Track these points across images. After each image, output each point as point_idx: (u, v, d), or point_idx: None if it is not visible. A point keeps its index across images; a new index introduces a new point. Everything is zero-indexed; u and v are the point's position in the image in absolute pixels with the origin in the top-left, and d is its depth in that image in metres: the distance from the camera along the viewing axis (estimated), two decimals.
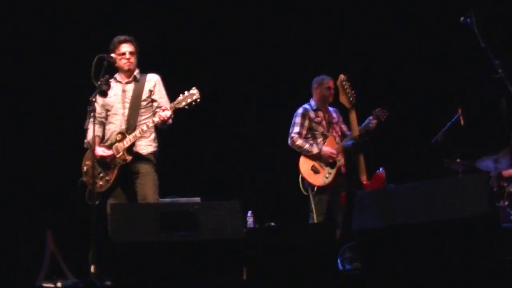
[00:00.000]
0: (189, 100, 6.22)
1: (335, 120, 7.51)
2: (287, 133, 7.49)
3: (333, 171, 7.15)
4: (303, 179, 7.27)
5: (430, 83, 9.05)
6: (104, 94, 6.18)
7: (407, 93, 9.06)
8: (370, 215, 5.02)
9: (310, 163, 7.22)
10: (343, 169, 7.13)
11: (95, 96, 6.06)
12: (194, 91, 6.23)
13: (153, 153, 6.45)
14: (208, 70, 9.20)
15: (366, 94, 7.32)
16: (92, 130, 6.14)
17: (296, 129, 7.39)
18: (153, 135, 6.47)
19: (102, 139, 6.44)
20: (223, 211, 5.16)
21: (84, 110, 6.10)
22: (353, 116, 6.64)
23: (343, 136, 7.43)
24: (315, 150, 7.20)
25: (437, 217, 4.80)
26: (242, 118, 9.36)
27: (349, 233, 5.23)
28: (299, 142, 7.31)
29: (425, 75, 9.06)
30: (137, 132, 6.28)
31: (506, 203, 7.87)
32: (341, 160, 7.12)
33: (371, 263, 4.98)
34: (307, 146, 7.27)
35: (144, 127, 6.26)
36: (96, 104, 6.08)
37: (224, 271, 4.95)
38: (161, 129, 6.46)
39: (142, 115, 6.42)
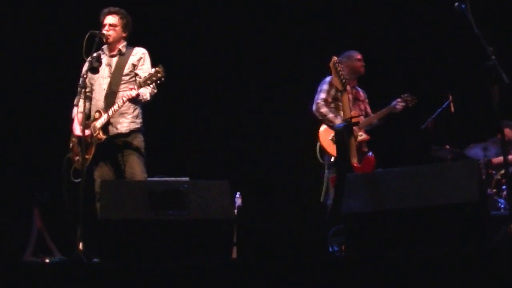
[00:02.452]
0: (153, 79, 6.00)
1: (361, 98, 7.47)
2: (277, 115, 7.48)
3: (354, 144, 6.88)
4: (321, 147, 7.12)
5: (422, 69, 9.06)
6: (95, 70, 6.12)
7: (398, 78, 9.06)
8: (360, 199, 5.01)
9: (331, 133, 7.01)
10: (363, 145, 7.12)
11: (86, 73, 6.02)
12: (159, 69, 6.00)
13: (136, 130, 6.35)
14: (199, 51, 9.18)
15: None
16: (79, 107, 6.08)
17: (322, 95, 7.23)
18: (136, 111, 6.36)
19: (90, 116, 6.37)
20: (213, 191, 5.14)
21: (74, 86, 6.06)
22: (345, 98, 6.60)
23: (365, 116, 7.40)
24: (337, 121, 6.97)
25: (427, 203, 4.80)
26: (232, 98, 9.33)
27: (338, 215, 5.22)
28: (324, 109, 7.14)
29: (417, 60, 9.06)
30: (110, 111, 6.17)
31: (494, 190, 7.91)
32: (363, 136, 7.11)
33: (358, 246, 4.98)
34: (330, 115, 7.09)
35: (116, 106, 6.15)
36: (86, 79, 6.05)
37: (212, 251, 4.94)
38: (143, 106, 6.38)
39: (123, 90, 6.26)
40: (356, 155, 6.53)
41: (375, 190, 5.02)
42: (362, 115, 7.33)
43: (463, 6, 6.15)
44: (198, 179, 5.84)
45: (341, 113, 6.89)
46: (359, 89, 7.49)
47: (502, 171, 7.92)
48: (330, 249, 5.54)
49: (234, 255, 5.20)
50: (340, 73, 6.59)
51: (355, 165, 6.48)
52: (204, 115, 9.32)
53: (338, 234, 5.51)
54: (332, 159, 6.98)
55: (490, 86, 6.39)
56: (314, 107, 7.22)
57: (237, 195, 7.51)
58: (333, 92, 7.18)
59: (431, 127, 8.03)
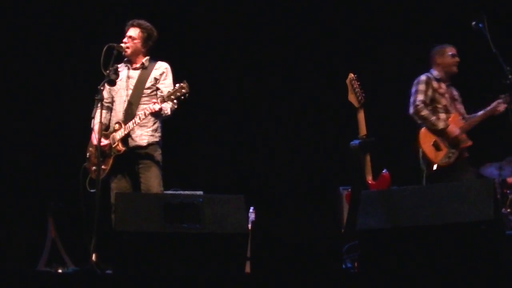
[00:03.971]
0: (178, 94, 6.00)
1: (456, 97, 7.08)
2: (291, 130, 7.45)
3: (456, 152, 6.78)
4: (423, 153, 6.75)
5: None
6: (112, 83, 6.15)
7: None
8: (375, 216, 5.01)
9: (432, 138, 6.74)
10: (465, 152, 6.83)
11: (103, 85, 6.05)
12: (183, 84, 6.00)
13: (155, 143, 6.38)
14: (215, 63, 9.21)
15: (373, 95, 7.31)
16: (98, 117, 6.11)
17: (420, 97, 6.80)
18: (156, 125, 6.39)
19: (109, 127, 6.40)
20: (228, 205, 5.16)
21: (91, 97, 6.09)
22: (361, 115, 6.59)
23: (461, 116, 7.01)
24: (440, 125, 6.71)
25: (442, 221, 4.79)
26: (247, 113, 9.35)
27: (353, 232, 5.22)
28: (425, 112, 6.75)
29: None
30: (130, 124, 6.21)
31: (509, 210, 7.88)
32: (466, 142, 6.80)
33: (372, 263, 4.98)
34: (433, 118, 6.74)
35: (138, 119, 6.18)
36: (104, 91, 6.08)
37: (226, 265, 4.95)
38: (163, 120, 6.41)
39: (144, 104, 6.28)
40: (371, 171, 6.52)
41: (390, 207, 5.02)
42: (461, 116, 6.97)
43: (480, 25, 6.17)
44: (212, 193, 5.85)
45: (440, 115, 6.73)
46: (453, 88, 7.10)
47: None
48: (344, 266, 5.53)
49: (248, 269, 5.20)
50: (356, 90, 6.59)
51: (370, 182, 6.47)
52: (220, 129, 9.33)
53: (352, 250, 5.51)
54: (435, 167, 6.71)
55: (507, 105, 6.42)
56: (412, 110, 6.84)
57: (251, 210, 7.50)
58: (430, 92, 6.83)
59: None
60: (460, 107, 7.02)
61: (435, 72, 6.96)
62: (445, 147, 6.76)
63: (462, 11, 8.08)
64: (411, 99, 6.85)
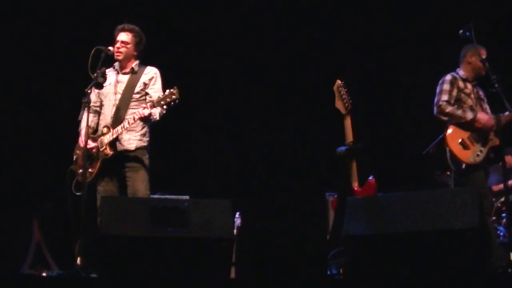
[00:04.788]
0: (167, 100, 5.99)
1: (482, 97, 6.85)
2: (278, 136, 7.45)
3: (485, 150, 6.57)
4: (451, 153, 6.57)
5: (425, 94, 9.07)
6: (99, 86, 6.13)
7: (402, 103, 9.08)
8: (360, 222, 5.03)
9: (459, 136, 6.55)
10: (492, 153, 6.58)
11: (90, 88, 6.03)
12: (174, 90, 5.99)
13: (143, 148, 6.37)
14: (203, 69, 9.21)
15: (361, 102, 7.33)
16: (85, 121, 6.10)
17: (444, 97, 6.58)
18: (144, 130, 6.39)
19: (97, 130, 6.39)
20: (214, 210, 5.16)
21: (78, 100, 6.07)
22: (348, 122, 6.61)
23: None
24: (469, 115, 6.50)
25: (427, 228, 4.82)
26: (234, 118, 9.36)
27: (339, 238, 5.23)
28: (449, 109, 6.52)
29: (420, 85, 9.08)
30: (119, 128, 6.21)
31: (494, 218, 7.89)
32: (493, 140, 6.54)
33: (357, 270, 4.99)
34: (459, 112, 6.52)
35: (126, 123, 6.18)
36: (91, 94, 6.07)
37: (212, 270, 4.95)
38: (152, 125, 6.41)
39: (133, 108, 6.28)
40: (357, 178, 6.54)
41: (375, 214, 5.04)
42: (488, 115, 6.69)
43: (467, 33, 6.20)
44: (199, 198, 5.84)
45: (467, 114, 6.51)
46: (479, 88, 6.85)
47: (503, 199, 7.92)
48: (329, 272, 5.54)
49: (233, 275, 5.20)
50: (344, 96, 6.61)
51: (356, 188, 6.49)
52: (207, 134, 9.33)
53: (338, 256, 5.52)
54: (464, 166, 6.51)
55: (493, 114, 6.44)
56: (436, 110, 6.64)
57: (237, 215, 7.50)
58: (455, 92, 6.63)
59: (433, 152, 8.02)
60: (486, 107, 6.83)
61: (461, 72, 6.77)
62: (473, 145, 6.56)
63: (448, 19, 8.13)
64: (435, 100, 6.69)
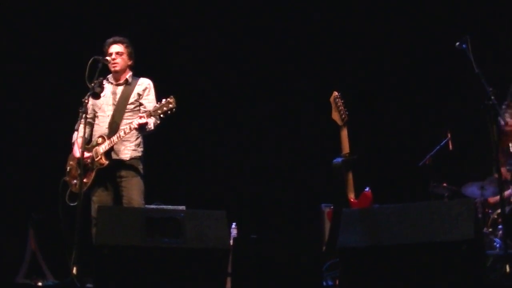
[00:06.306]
0: (164, 109, 6.04)
1: None
2: (275, 146, 7.44)
3: None
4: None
5: (422, 106, 9.11)
6: (96, 96, 6.15)
7: (398, 114, 9.10)
8: (356, 234, 5.03)
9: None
10: None
11: (87, 98, 6.04)
12: (170, 99, 6.05)
13: (137, 158, 6.39)
14: (198, 79, 9.23)
15: (357, 114, 7.34)
16: (81, 131, 6.11)
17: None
18: (138, 140, 6.41)
19: (90, 141, 6.41)
20: (209, 220, 5.16)
21: (74, 110, 6.08)
22: (344, 133, 6.63)
23: None
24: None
25: (422, 240, 4.82)
26: (229, 129, 9.37)
27: (334, 249, 5.23)
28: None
29: (417, 97, 9.11)
30: (115, 138, 6.23)
31: (490, 229, 7.90)
32: None
33: (352, 281, 4.98)
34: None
35: (122, 133, 6.20)
36: (87, 104, 6.08)
37: (207, 281, 4.94)
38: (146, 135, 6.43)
39: (127, 119, 6.33)
40: (353, 189, 6.55)
41: (371, 226, 5.04)
42: None
43: (464, 45, 6.20)
44: (195, 209, 5.84)
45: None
46: None
47: (498, 211, 7.92)
48: (324, 283, 5.53)
49: (229, 286, 5.20)
50: (340, 108, 6.63)
51: (352, 200, 6.49)
52: (203, 145, 9.34)
53: (333, 268, 5.51)
54: None
55: (488, 125, 6.44)
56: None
57: (233, 226, 7.51)
58: None
59: (429, 163, 8.04)
60: None
61: None
62: None
63: (444, 31, 8.16)
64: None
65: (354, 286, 4.95)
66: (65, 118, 6.66)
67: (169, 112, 6.05)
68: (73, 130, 6.44)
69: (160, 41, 9.11)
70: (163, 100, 6.09)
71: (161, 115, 6.08)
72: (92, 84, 6.06)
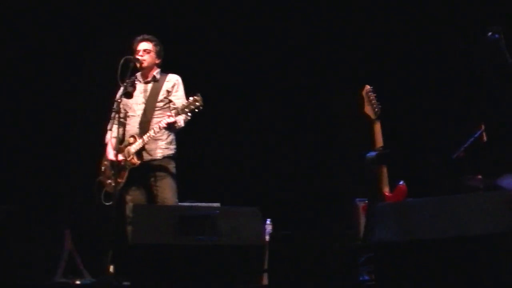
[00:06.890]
0: (191, 107, 6.09)
1: None
2: (308, 141, 7.41)
3: None
4: None
5: (454, 98, 9.02)
6: (129, 95, 6.21)
7: (431, 107, 9.03)
8: (390, 228, 4.99)
9: None
10: None
11: (120, 97, 6.09)
12: (197, 97, 6.10)
13: (169, 156, 6.43)
14: (229, 75, 9.23)
15: (389, 107, 7.30)
16: (114, 131, 6.16)
17: None
18: (170, 138, 6.45)
19: (123, 140, 6.44)
20: (243, 217, 5.16)
21: (106, 110, 6.13)
22: (377, 127, 6.60)
23: None
24: None
25: (458, 233, 4.76)
26: (265, 126, 9.36)
27: (369, 244, 5.21)
28: None
29: (450, 89, 9.03)
30: (145, 137, 6.25)
31: None
32: None
33: (388, 276, 4.95)
34: None
35: (152, 132, 6.23)
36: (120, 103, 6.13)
37: (243, 278, 4.95)
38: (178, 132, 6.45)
39: (157, 117, 6.38)
40: (387, 183, 6.51)
41: (405, 220, 5.00)
42: None
43: (496, 35, 6.13)
44: (229, 205, 5.85)
45: None
46: None
47: None
48: (361, 278, 5.51)
49: (265, 281, 5.20)
50: (373, 102, 6.60)
51: (387, 194, 6.46)
52: (236, 142, 9.34)
53: (369, 262, 5.49)
54: None
55: None
56: None
57: (268, 222, 7.50)
58: None
59: (463, 156, 7.97)
60: None
61: None
62: None
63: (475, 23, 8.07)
64: None
65: (390, 281, 4.92)
66: (98, 117, 6.71)
67: (196, 110, 6.08)
68: (105, 129, 6.49)
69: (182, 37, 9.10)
70: (190, 98, 6.12)
71: (188, 113, 6.11)
72: (125, 84, 6.11)
